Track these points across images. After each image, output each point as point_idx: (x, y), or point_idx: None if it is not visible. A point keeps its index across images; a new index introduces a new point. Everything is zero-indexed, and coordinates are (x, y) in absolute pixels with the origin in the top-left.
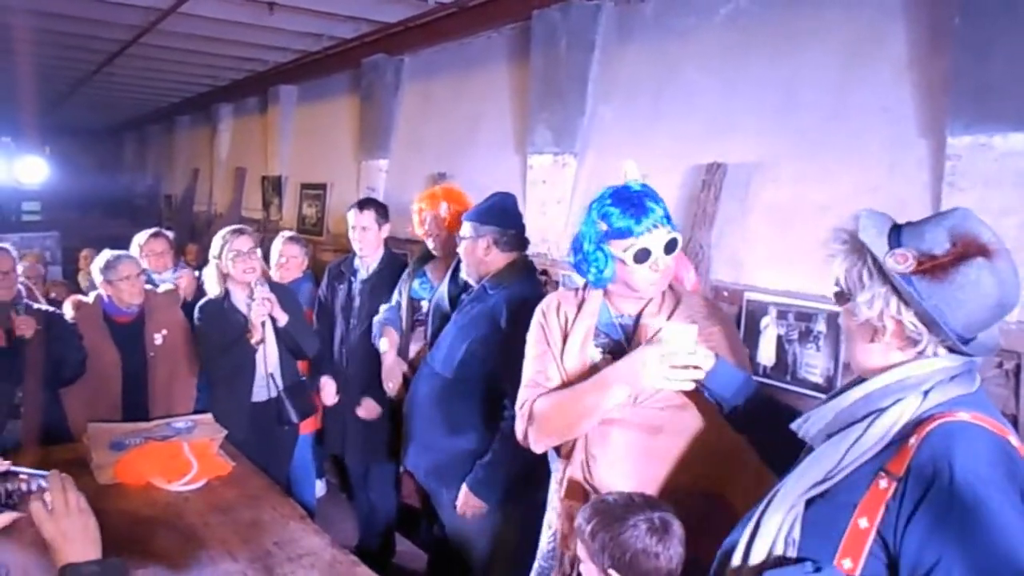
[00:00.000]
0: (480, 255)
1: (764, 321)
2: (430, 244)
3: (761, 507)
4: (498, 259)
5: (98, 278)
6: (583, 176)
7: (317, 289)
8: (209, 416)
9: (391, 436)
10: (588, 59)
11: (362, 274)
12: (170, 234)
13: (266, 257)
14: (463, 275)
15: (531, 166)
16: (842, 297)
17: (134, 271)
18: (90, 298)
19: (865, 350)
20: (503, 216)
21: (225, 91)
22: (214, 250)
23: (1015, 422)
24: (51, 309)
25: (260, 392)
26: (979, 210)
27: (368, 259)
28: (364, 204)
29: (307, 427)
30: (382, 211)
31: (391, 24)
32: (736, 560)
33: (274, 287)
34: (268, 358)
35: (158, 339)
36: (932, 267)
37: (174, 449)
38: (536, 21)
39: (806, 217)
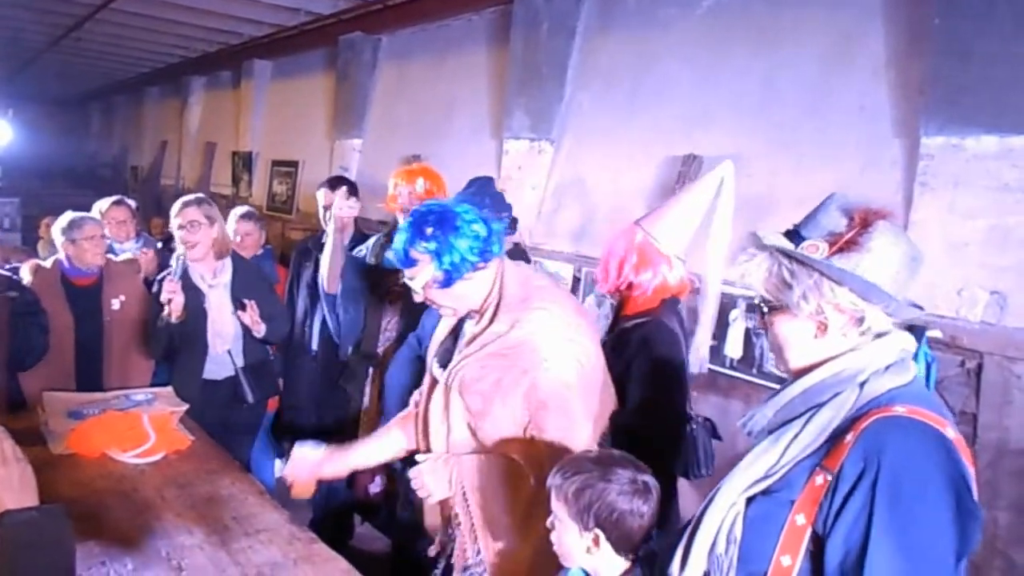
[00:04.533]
0: None
1: (733, 314)
2: (401, 219)
3: (702, 506)
4: None
5: (59, 238)
6: (559, 163)
7: (281, 267)
8: (169, 389)
9: (352, 417)
10: (569, 46)
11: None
12: (132, 203)
13: None
14: None
15: (507, 151)
16: (767, 307)
17: (98, 232)
18: (48, 263)
19: (808, 349)
20: (494, 200)
21: (197, 63)
22: (171, 221)
23: (975, 420)
24: (14, 277)
25: (220, 370)
26: (949, 210)
27: (342, 235)
28: (339, 182)
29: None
30: (354, 189)
31: (370, 1)
32: (676, 558)
33: (240, 263)
34: (223, 335)
35: (115, 304)
36: (845, 243)
37: (133, 420)
38: (517, 5)
39: (779, 212)
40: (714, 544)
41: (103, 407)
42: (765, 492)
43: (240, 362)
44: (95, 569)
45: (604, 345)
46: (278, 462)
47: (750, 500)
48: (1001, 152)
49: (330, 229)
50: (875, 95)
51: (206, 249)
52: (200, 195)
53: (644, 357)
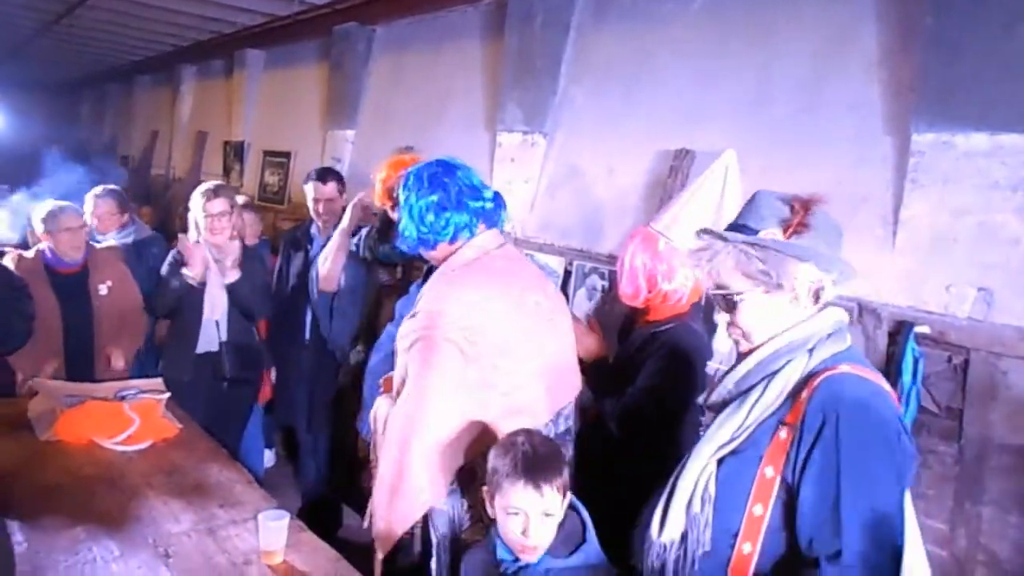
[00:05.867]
0: None
1: None
2: (394, 213)
3: (675, 474)
4: None
5: (39, 228)
6: (552, 156)
7: (275, 256)
8: (157, 381)
9: (344, 406)
10: (563, 39)
11: (321, 242)
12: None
13: None
14: None
15: (500, 143)
16: (736, 298)
17: (76, 223)
18: (31, 252)
19: (775, 325)
20: None
21: (189, 52)
22: (192, 203)
23: (960, 416)
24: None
25: (207, 342)
26: (939, 207)
27: (328, 227)
28: (326, 175)
29: (259, 397)
30: (341, 180)
31: None
32: (655, 522)
33: (248, 253)
34: (215, 305)
35: (103, 290)
36: (796, 225)
37: (115, 407)
38: None
39: None
40: (690, 504)
41: (89, 397)
42: (733, 452)
43: (224, 336)
44: (81, 555)
45: (630, 346)
46: (267, 452)
47: (720, 462)
48: (991, 149)
49: (344, 223)
50: (867, 92)
51: (227, 236)
52: (222, 185)
53: (665, 353)
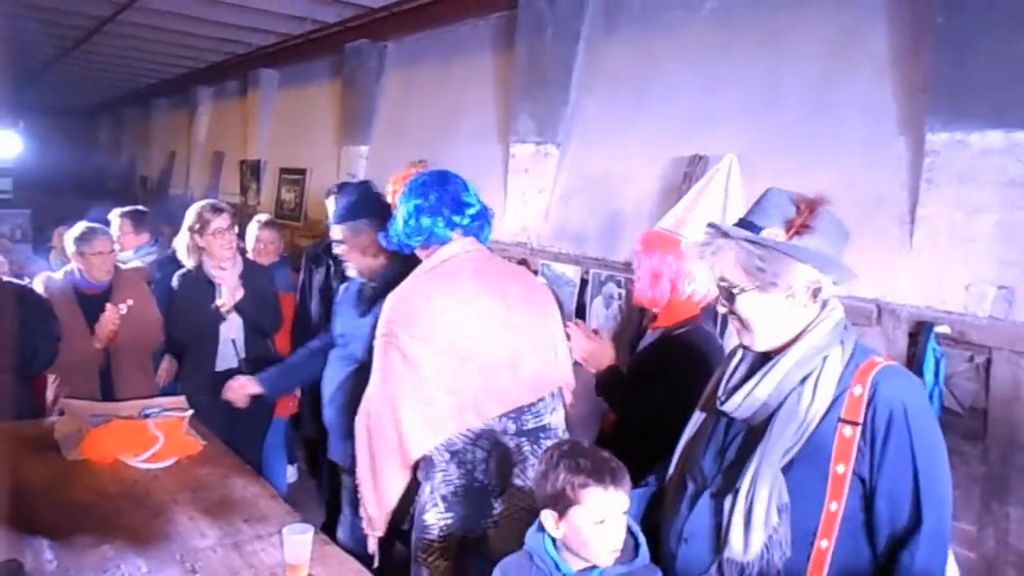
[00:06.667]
0: (366, 252)
1: None
2: None
3: (748, 481)
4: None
5: (70, 248)
6: (565, 166)
7: (296, 274)
8: (181, 399)
9: None
10: (573, 50)
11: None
12: (129, 216)
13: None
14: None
15: (513, 155)
16: (737, 290)
17: (107, 247)
18: (59, 274)
19: (777, 322)
20: (377, 206)
21: (204, 73)
22: (189, 222)
23: (985, 416)
24: (26, 285)
25: (224, 361)
26: (956, 206)
27: None
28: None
29: (281, 411)
30: None
31: (375, 9)
32: (736, 542)
33: (249, 266)
34: (230, 324)
35: (123, 309)
36: (800, 226)
37: (140, 426)
38: (522, 10)
39: None
40: (767, 518)
41: (114, 416)
42: (797, 458)
43: (242, 354)
44: (110, 572)
45: (644, 352)
46: (290, 467)
47: (785, 470)
48: (1007, 147)
49: None
50: (879, 93)
51: (235, 250)
52: (220, 202)
53: (681, 357)
